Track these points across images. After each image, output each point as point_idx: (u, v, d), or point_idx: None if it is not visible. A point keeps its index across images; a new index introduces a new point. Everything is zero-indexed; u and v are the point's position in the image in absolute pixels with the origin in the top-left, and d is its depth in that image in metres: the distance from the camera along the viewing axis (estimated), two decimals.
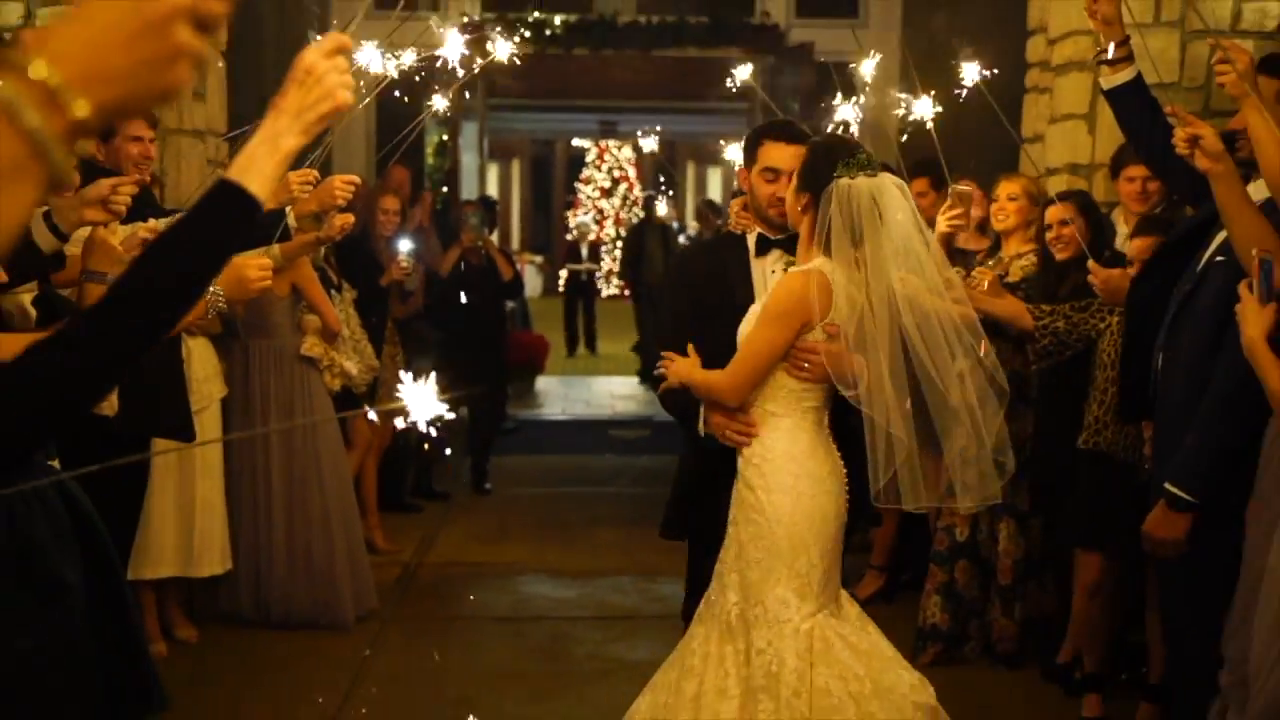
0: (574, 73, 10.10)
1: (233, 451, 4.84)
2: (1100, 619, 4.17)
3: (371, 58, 3.14)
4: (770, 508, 2.87)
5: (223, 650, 4.65)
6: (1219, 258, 3.15)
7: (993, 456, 2.87)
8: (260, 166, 1.41)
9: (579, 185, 23.11)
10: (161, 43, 0.98)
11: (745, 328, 2.98)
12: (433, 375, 1.53)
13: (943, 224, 3.96)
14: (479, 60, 3.44)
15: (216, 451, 4.73)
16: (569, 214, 21.11)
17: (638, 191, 21.30)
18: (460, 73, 3.35)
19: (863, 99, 4.07)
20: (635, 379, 11.86)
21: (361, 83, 3.05)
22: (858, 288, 2.83)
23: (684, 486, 3.38)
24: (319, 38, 1.57)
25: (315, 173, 3.48)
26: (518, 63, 3.54)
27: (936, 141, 3.69)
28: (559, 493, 7.55)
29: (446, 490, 7.19)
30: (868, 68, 4.30)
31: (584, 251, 15.13)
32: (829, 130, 3.99)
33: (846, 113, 4.08)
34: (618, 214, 22.46)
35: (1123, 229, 4.36)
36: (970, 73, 3.61)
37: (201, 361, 4.59)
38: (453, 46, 3.27)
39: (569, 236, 16.44)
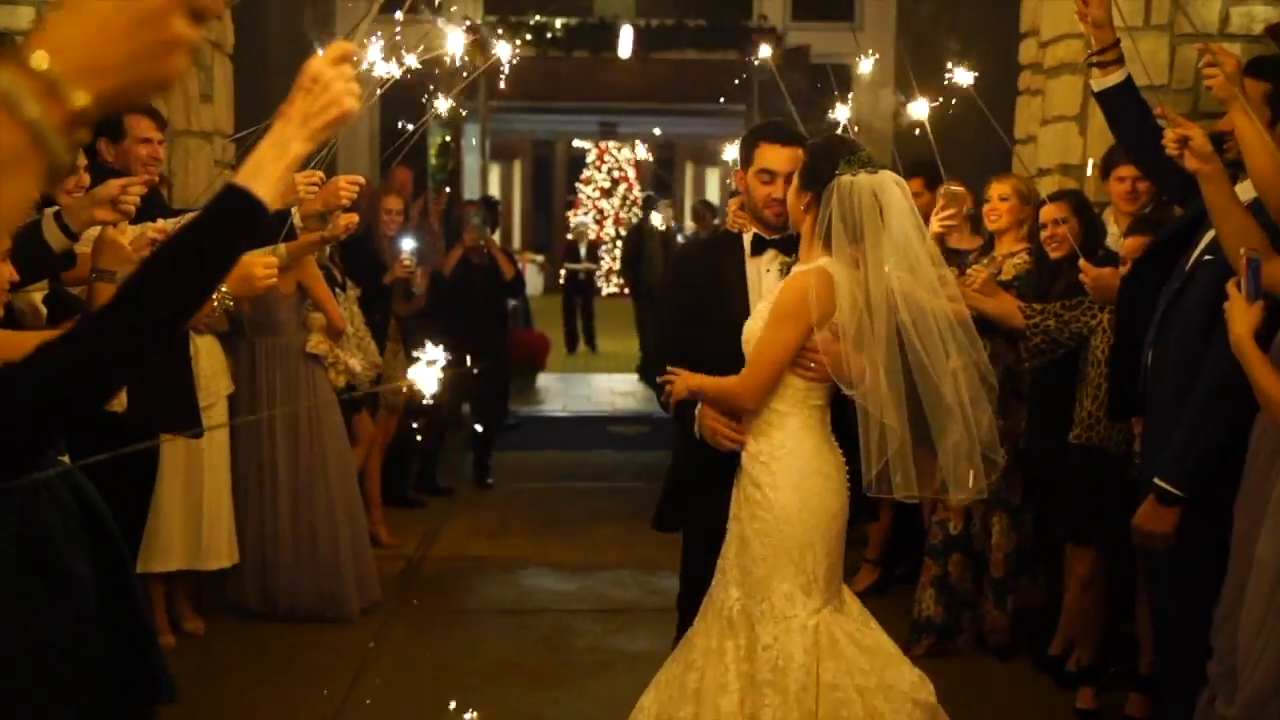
0: (574, 75, 10.13)
1: (240, 447, 4.89)
2: (1093, 612, 4.22)
3: (376, 59, 3.18)
4: (778, 505, 2.90)
5: (230, 642, 4.70)
6: (1207, 257, 3.19)
7: (983, 453, 2.90)
8: (267, 172, 1.44)
9: (579, 186, 23.18)
10: (158, 34, 1.00)
11: (753, 326, 3.00)
12: (439, 348, 1.56)
13: (935, 224, 4.01)
14: (479, 64, 3.49)
15: (224, 448, 4.79)
16: (569, 214, 21.14)
17: (637, 192, 21.34)
18: (465, 74, 3.39)
19: (852, 95, 4.12)
20: (635, 376, 11.91)
21: (369, 88, 3.09)
22: (857, 285, 2.86)
23: (677, 481, 3.42)
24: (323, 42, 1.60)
25: (321, 174, 3.52)
26: (506, 70, 3.56)
27: (933, 143, 3.73)
28: (560, 488, 7.59)
29: (449, 485, 7.24)
30: (866, 66, 4.35)
31: (582, 251, 15.20)
32: (825, 131, 4.03)
33: (842, 114, 4.14)
34: (617, 214, 22.50)
35: (1113, 228, 4.39)
36: (963, 76, 3.66)
37: (209, 358, 4.64)
38: (455, 46, 3.31)
39: (569, 236, 16.48)
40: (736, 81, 8.67)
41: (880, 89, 7.07)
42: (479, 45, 3.47)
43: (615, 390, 11.76)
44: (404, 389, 1.73)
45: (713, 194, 20.73)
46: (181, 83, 5.26)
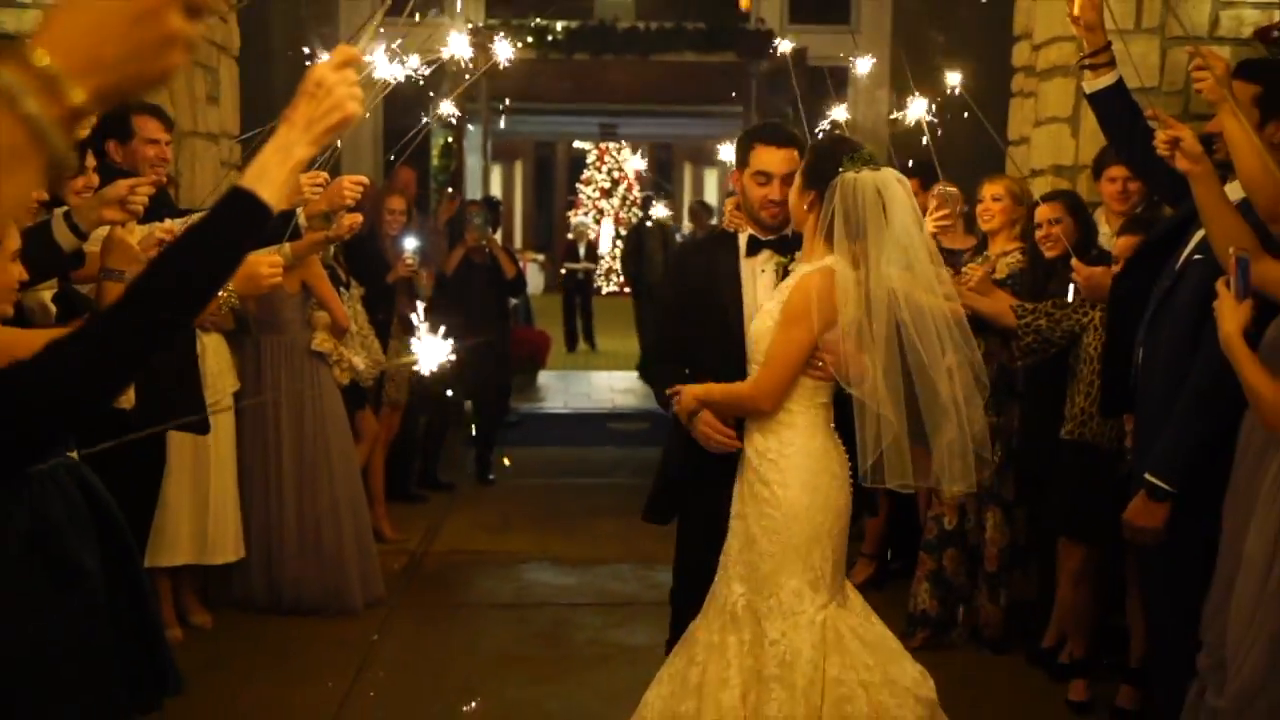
0: (575, 77, 10.17)
1: (245, 443, 4.94)
2: (1085, 606, 4.26)
3: (380, 61, 3.23)
4: (787, 503, 2.92)
5: (236, 635, 4.74)
6: (1197, 256, 3.22)
7: (975, 450, 2.92)
8: (272, 175, 1.45)
9: (580, 186, 23.24)
10: (155, 30, 1.01)
11: (761, 326, 3.02)
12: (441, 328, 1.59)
13: (929, 225, 4.05)
14: (482, 65, 3.53)
15: (230, 443, 4.84)
16: (570, 214, 21.19)
17: (636, 192, 21.39)
18: (467, 76, 3.43)
19: (846, 94, 4.16)
20: (635, 374, 11.95)
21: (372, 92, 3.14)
22: (858, 284, 2.88)
23: (670, 476, 3.44)
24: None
25: (325, 174, 3.55)
26: (504, 68, 3.57)
27: (931, 144, 3.77)
28: (560, 484, 7.64)
29: (451, 481, 7.28)
30: (864, 66, 4.39)
31: (581, 251, 15.25)
32: (822, 132, 4.08)
33: (839, 115, 4.19)
34: (617, 214, 22.55)
35: (1105, 228, 4.42)
36: (956, 80, 3.70)
37: (215, 356, 4.69)
38: (459, 47, 3.35)
39: (569, 236, 16.54)
40: (734, 93, 8.70)
41: (876, 90, 7.13)
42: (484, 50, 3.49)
43: (615, 387, 11.80)
44: (410, 365, 1.77)
45: (711, 194, 20.77)
46: (188, 84, 5.31)
